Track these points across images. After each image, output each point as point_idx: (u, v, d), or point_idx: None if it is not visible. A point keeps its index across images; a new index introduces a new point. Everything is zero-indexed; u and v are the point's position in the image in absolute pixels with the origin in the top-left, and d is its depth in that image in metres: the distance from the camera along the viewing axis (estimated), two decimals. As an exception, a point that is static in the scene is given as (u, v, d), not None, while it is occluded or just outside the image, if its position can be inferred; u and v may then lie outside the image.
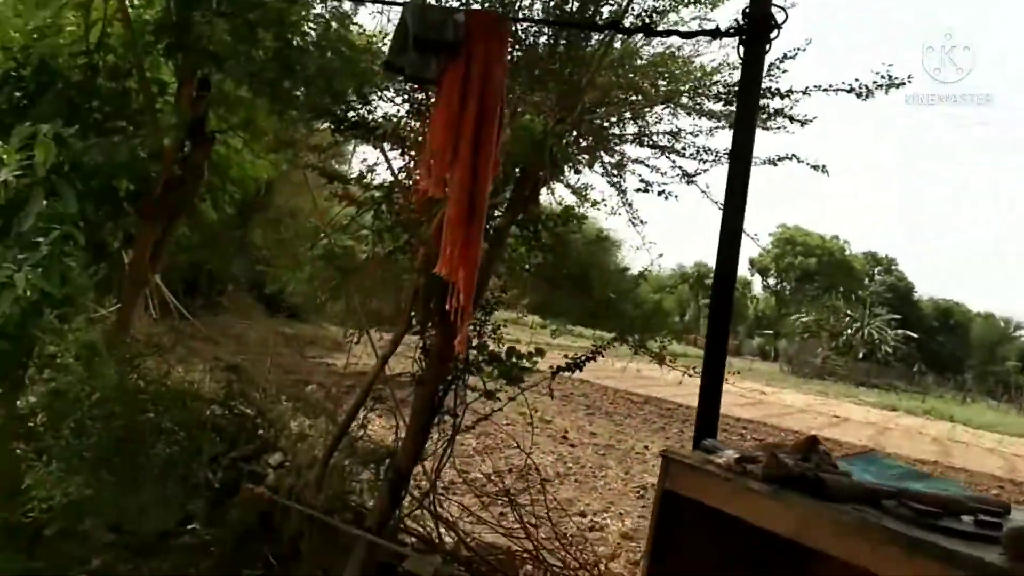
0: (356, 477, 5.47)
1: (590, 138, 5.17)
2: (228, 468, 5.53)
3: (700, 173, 5.21)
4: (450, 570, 4.64)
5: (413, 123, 5.32)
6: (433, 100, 4.96)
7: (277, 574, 5.15)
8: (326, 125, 5.78)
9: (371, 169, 5.54)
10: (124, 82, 6.65)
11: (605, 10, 4.63)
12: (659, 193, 5.06)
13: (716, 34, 3.51)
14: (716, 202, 4.80)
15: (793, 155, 5.07)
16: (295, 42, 5.67)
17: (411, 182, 5.35)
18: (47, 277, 5.07)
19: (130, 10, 6.18)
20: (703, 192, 5.03)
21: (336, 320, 15.76)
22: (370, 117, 5.39)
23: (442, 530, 5.30)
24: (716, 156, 5.12)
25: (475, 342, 5.19)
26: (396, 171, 5.35)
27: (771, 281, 70.82)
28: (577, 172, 5.33)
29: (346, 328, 7.13)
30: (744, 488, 2.34)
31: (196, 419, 5.49)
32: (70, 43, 6.39)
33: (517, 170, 5.00)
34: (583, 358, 5.24)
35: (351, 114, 5.40)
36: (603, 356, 5.29)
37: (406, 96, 5.23)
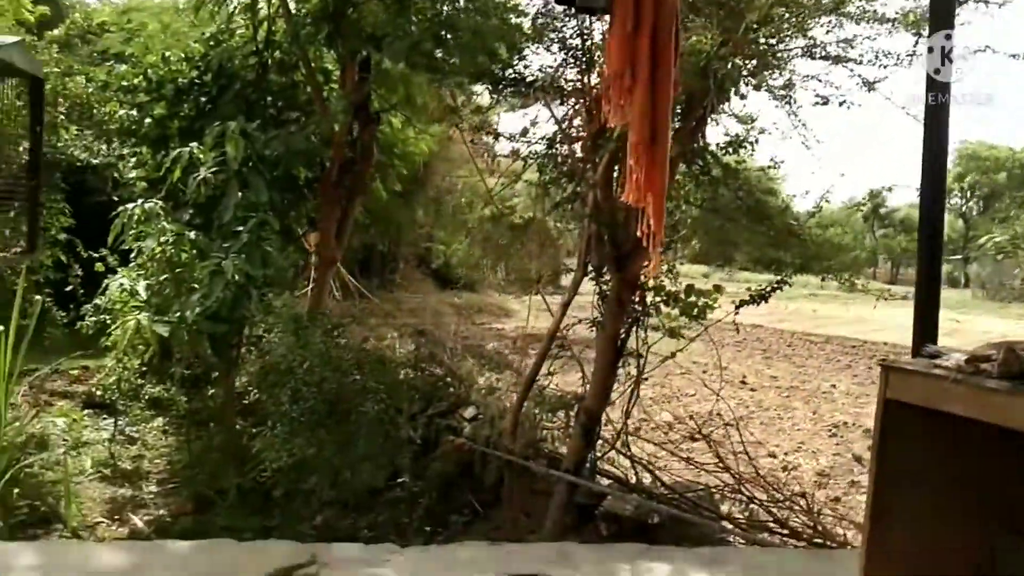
0: (546, 424, 5.62)
1: (755, 60, 4.92)
2: (427, 424, 5.84)
3: (880, 81, 4.81)
4: (650, 506, 4.68)
5: (569, 72, 5.30)
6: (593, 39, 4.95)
7: (483, 519, 5.42)
8: (484, 88, 5.89)
9: (533, 123, 5.57)
10: (292, 75, 7.11)
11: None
12: (840, 103, 4.71)
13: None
14: (904, 107, 4.45)
15: (987, 46, 4.58)
16: (445, 10, 5.81)
17: (573, 131, 5.35)
18: (250, 262, 5.57)
19: (291, 4, 6.55)
20: (887, 99, 4.66)
21: (501, 288, 16.26)
22: (526, 72, 5.42)
23: (637, 469, 5.35)
24: (897, 59, 4.72)
25: (651, 284, 5.14)
26: (558, 119, 5.34)
27: (955, 202, 64.78)
28: (743, 98, 5.08)
29: (520, 287, 7.29)
30: (978, 387, 2.20)
31: (394, 380, 5.84)
32: (241, 45, 6.90)
33: (678, 107, 4.87)
34: (768, 289, 5.08)
35: (507, 72, 5.45)
36: (790, 285, 5.11)
37: (561, 44, 5.21)
